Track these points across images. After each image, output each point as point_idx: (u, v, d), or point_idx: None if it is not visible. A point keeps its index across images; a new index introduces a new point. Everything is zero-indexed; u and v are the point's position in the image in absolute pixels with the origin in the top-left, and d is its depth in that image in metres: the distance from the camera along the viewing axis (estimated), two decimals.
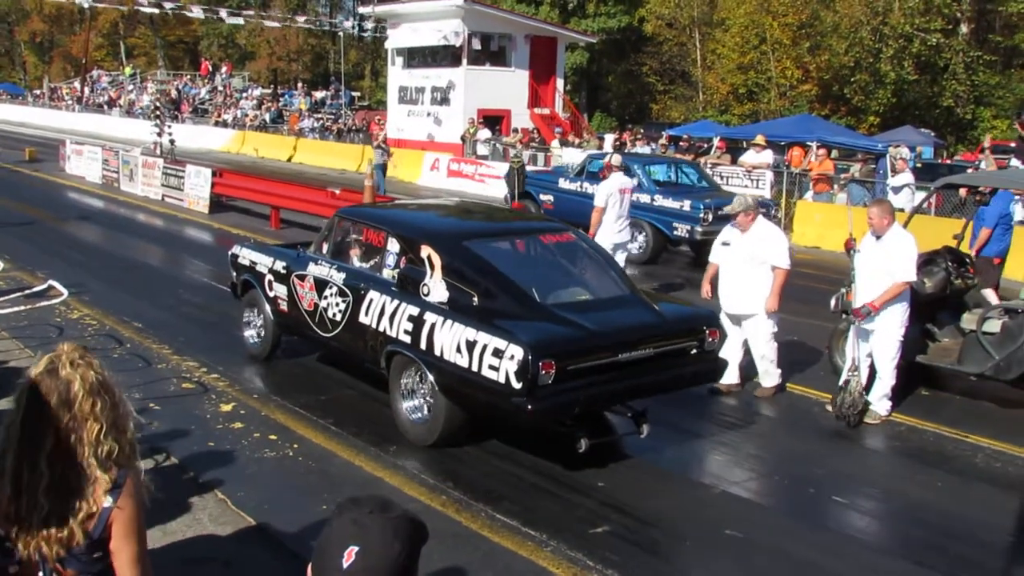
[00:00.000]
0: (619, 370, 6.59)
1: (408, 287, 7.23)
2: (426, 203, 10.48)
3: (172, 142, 26.11)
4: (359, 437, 7.27)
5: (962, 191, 17.82)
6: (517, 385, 6.09)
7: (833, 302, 9.26)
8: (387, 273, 7.51)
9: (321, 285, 8.02)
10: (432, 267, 7.07)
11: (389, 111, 36.01)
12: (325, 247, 8.30)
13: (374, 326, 7.34)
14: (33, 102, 61.32)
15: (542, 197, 18.30)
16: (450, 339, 6.60)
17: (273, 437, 7.21)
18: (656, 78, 44.11)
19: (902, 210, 13.05)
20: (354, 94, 51.71)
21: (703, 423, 8.08)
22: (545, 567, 5.41)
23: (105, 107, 52.80)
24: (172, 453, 6.76)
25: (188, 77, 57.55)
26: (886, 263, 7.88)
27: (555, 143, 27.92)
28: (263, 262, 8.94)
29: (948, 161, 27.31)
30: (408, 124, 33.76)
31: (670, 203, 15.61)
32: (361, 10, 42.26)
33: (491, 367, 6.26)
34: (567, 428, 6.70)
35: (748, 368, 8.72)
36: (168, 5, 47.51)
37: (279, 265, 8.67)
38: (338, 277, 7.88)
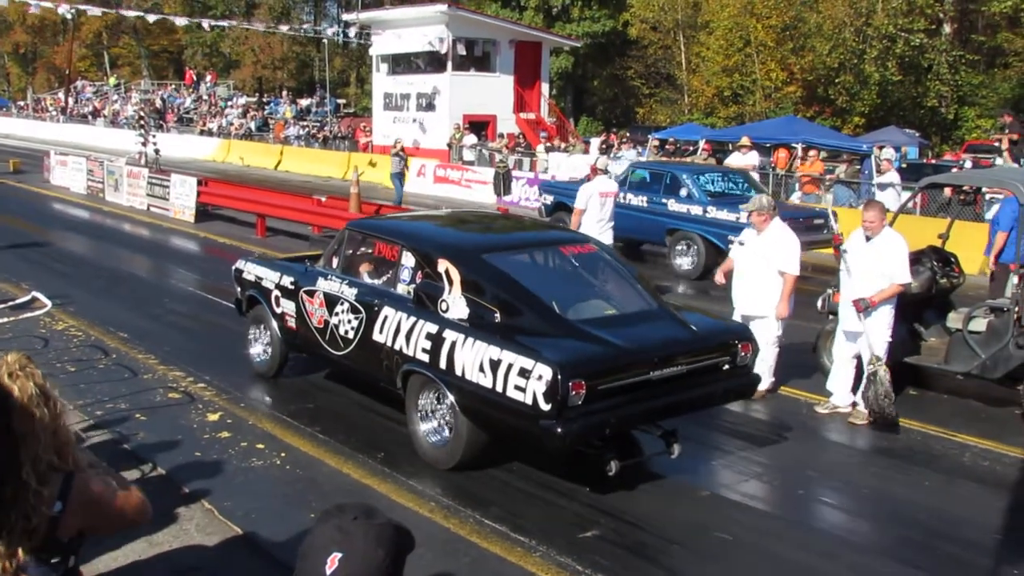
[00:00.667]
0: (651, 388, 6.28)
1: (425, 303, 6.94)
2: (439, 214, 10.06)
3: (157, 152, 26.01)
4: (347, 444, 7.24)
5: (947, 190, 17.94)
6: (546, 407, 5.77)
7: (820, 303, 9.28)
8: (402, 288, 7.21)
9: (332, 301, 7.69)
10: (450, 282, 6.78)
11: (374, 118, 35.99)
12: (335, 261, 7.98)
13: (389, 344, 7.03)
14: (17, 113, 61.03)
15: None
16: (472, 358, 6.30)
17: (260, 446, 7.18)
18: (641, 82, 44.16)
19: (888, 210, 13.07)
20: (339, 101, 51.57)
21: (690, 426, 8.04)
22: (534, 572, 5.40)
23: (89, 118, 52.55)
24: (158, 464, 6.73)
25: (173, 86, 57.39)
26: (878, 264, 7.92)
27: (541, 148, 27.92)
28: (269, 277, 8.59)
29: (933, 161, 27.44)
30: (394, 131, 33.68)
31: (724, 215, 14.46)
32: (345, 17, 42.20)
33: (517, 388, 5.95)
34: (595, 450, 6.41)
35: None
36: (151, 18, 47.39)
37: (286, 280, 8.34)
38: (350, 293, 7.56)
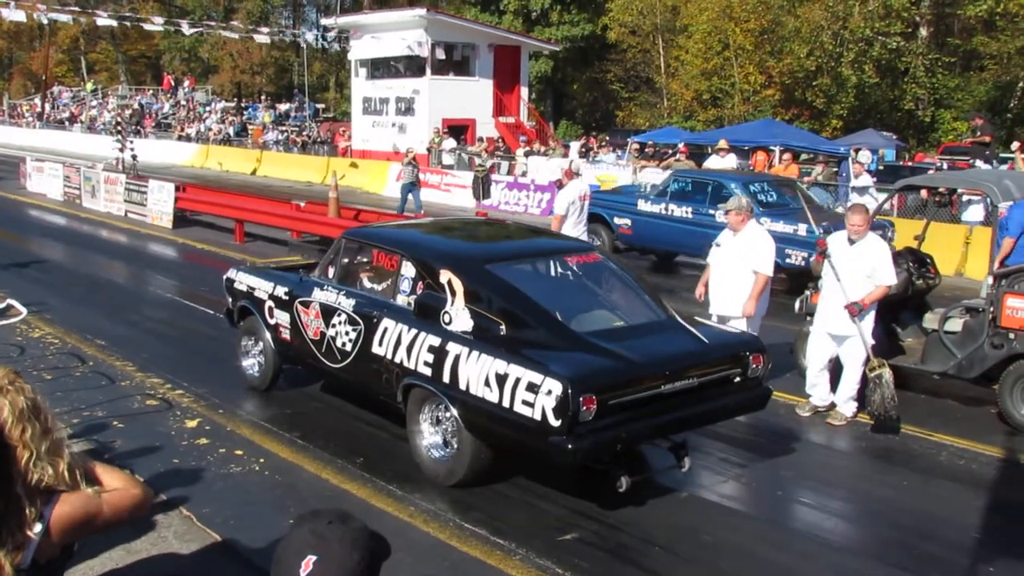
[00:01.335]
0: (662, 402, 6.12)
1: (427, 315, 6.72)
2: (440, 222, 9.82)
3: (134, 157, 25.88)
4: (325, 450, 7.22)
5: (923, 192, 18.09)
6: (555, 423, 5.60)
7: (797, 304, 9.34)
8: (402, 299, 6.99)
9: (328, 312, 7.48)
10: (453, 293, 6.58)
11: (353, 122, 35.91)
12: (331, 271, 7.76)
13: (389, 357, 6.82)
14: None
15: (617, 221, 15.96)
16: (477, 372, 6.12)
17: (239, 452, 7.14)
18: (620, 85, 44.26)
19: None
20: (318, 106, 51.50)
21: None
22: None
23: (66, 123, 52.23)
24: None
25: (151, 92, 57.10)
26: (862, 266, 7.98)
27: (520, 152, 27.94)
28: (262, 287, 8.34)
29: (910, 163, 27.64)
30: (373, 135, 33.68)
31: (780, 227, 13.31)
32: (324, 21, 42.13)
33: (525, 403, 5.77)
34: (604, 466, 6.28)
35: None
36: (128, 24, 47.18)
37: (280, 291, 8.10)
38: (347, 304, 7.35)
